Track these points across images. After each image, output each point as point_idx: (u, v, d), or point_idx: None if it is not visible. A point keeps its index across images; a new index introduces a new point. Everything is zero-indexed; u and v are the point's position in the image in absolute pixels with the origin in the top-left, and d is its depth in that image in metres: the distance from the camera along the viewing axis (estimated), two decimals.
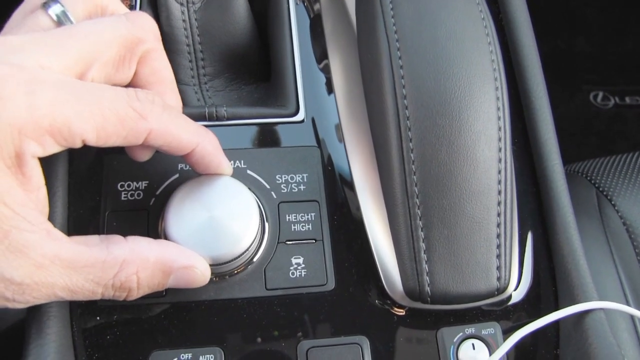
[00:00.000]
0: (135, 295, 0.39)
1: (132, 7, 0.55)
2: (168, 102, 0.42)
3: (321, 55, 0.55)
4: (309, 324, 0.45)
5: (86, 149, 0.38)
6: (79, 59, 0.38)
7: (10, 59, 0.35)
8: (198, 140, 0.42)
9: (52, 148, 0.36)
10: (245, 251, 0.43)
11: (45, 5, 0.40)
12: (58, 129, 0.35)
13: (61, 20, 0.40)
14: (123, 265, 0.37)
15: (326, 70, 0.54)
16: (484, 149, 0.45)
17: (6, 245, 0.34)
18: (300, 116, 0.52)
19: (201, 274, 0.41)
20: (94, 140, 0.36)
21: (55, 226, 0.45)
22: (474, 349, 0.45)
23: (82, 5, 0.42)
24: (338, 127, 0.52)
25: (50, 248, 0.35)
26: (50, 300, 0.37)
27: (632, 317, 0.59)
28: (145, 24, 0.42)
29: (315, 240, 0.47)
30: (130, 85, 0.43)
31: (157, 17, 0.55)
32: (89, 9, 0.42)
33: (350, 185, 0.50)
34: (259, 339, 0.45)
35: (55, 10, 0.40)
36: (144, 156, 0.44)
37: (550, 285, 0.49)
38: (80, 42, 0.38)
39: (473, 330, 0.46)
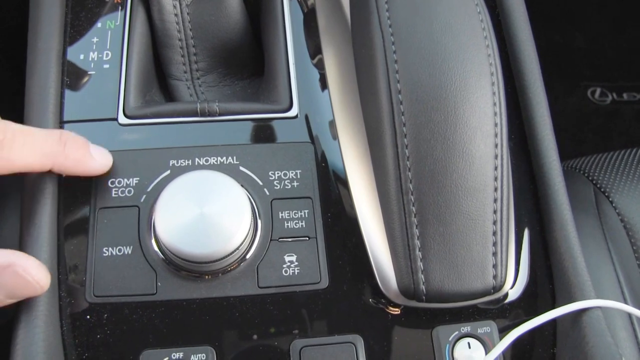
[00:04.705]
0: None
1: (123, 2, 0.55)
2: None
3: (315, 50, 0.54)
4: (302, 323, 0.45)
5: None
6: None
7: None
8: (51, 162, 0.43)
9: None
10: (237, 249, 0.43)
11: None
12: None
13: None
14: None
15: (320, 66, 0.54)
16: (480, 144, 0.44)
17: None
18: (293, 112, 0.51)
19: (24, 273, 0.39)
20: None
21: (44, 222, 0.45)
22: (469, 347, 0.45)
23: None
24: (332, 123, 0.51)
25: None
26: None
27: (629, 315, 0.59)
28: None
29: (309, 238, 0.47)
30: None
31: (148, 11, 0.55)
32: None
33: (344, 182, 0.49)
34: (252, 338, 0.44)
35: None
36: None
37: (547, 283, 0.49)
38: None
39: (469, 329, 0.46)
